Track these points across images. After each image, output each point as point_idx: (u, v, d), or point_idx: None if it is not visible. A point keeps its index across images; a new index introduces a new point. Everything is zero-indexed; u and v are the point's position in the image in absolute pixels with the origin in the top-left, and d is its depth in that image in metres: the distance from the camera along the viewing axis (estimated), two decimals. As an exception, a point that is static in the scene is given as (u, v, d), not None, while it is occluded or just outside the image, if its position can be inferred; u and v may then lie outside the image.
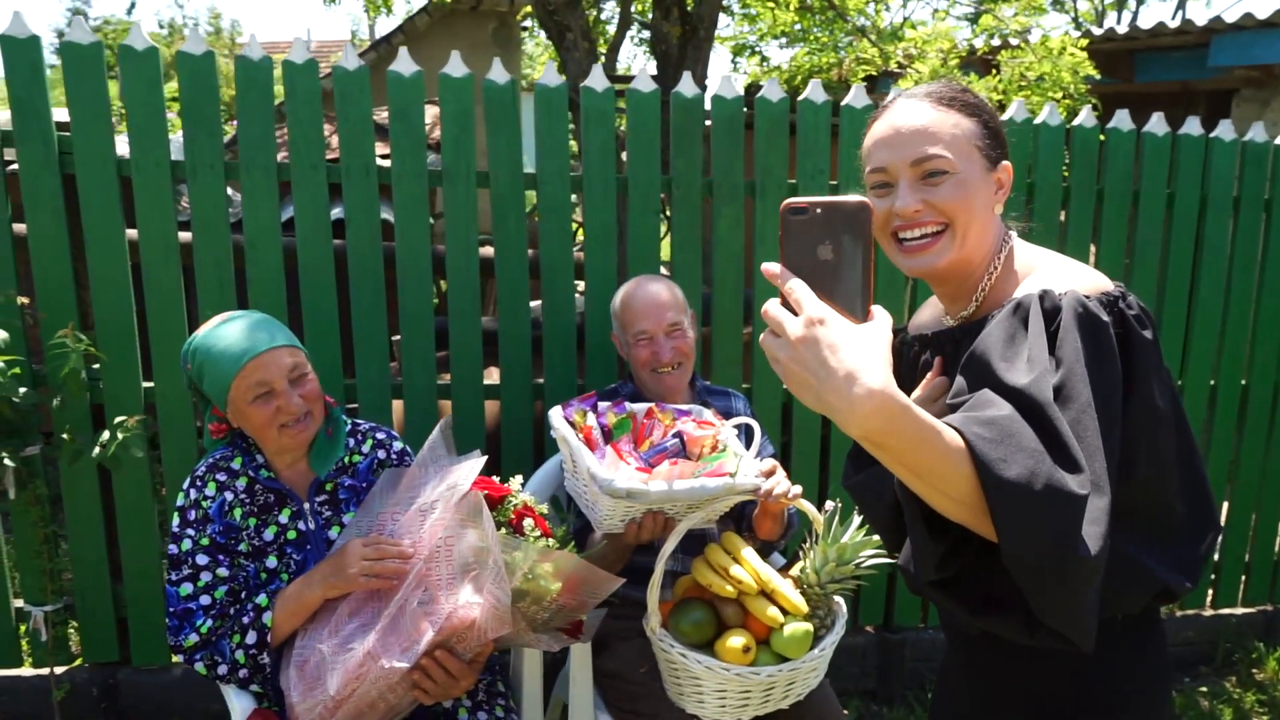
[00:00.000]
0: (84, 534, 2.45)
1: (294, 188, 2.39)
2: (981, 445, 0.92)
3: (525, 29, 7.57)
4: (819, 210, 0.93)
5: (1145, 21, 5.70)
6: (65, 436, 2.25)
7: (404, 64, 2.40)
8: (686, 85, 2.58)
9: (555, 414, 1.99)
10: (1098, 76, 4.46)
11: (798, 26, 7.04)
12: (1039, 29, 5.73)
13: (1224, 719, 2.97)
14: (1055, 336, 1.05)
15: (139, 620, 2.53)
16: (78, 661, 2.61)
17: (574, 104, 2.66)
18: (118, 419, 2.11)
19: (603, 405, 2.03)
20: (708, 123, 2.66)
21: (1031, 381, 0.99)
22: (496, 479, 1.82)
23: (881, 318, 0.91)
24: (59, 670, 2.51)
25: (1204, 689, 3.15)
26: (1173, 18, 5.83)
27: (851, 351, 0.86)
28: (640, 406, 2.05)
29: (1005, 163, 1.22)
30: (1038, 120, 2.83)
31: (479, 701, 1.89)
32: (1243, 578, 3.35)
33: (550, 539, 1.77)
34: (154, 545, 2.49)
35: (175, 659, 2.64)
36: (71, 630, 2.63)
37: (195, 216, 2.35)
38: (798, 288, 0.90)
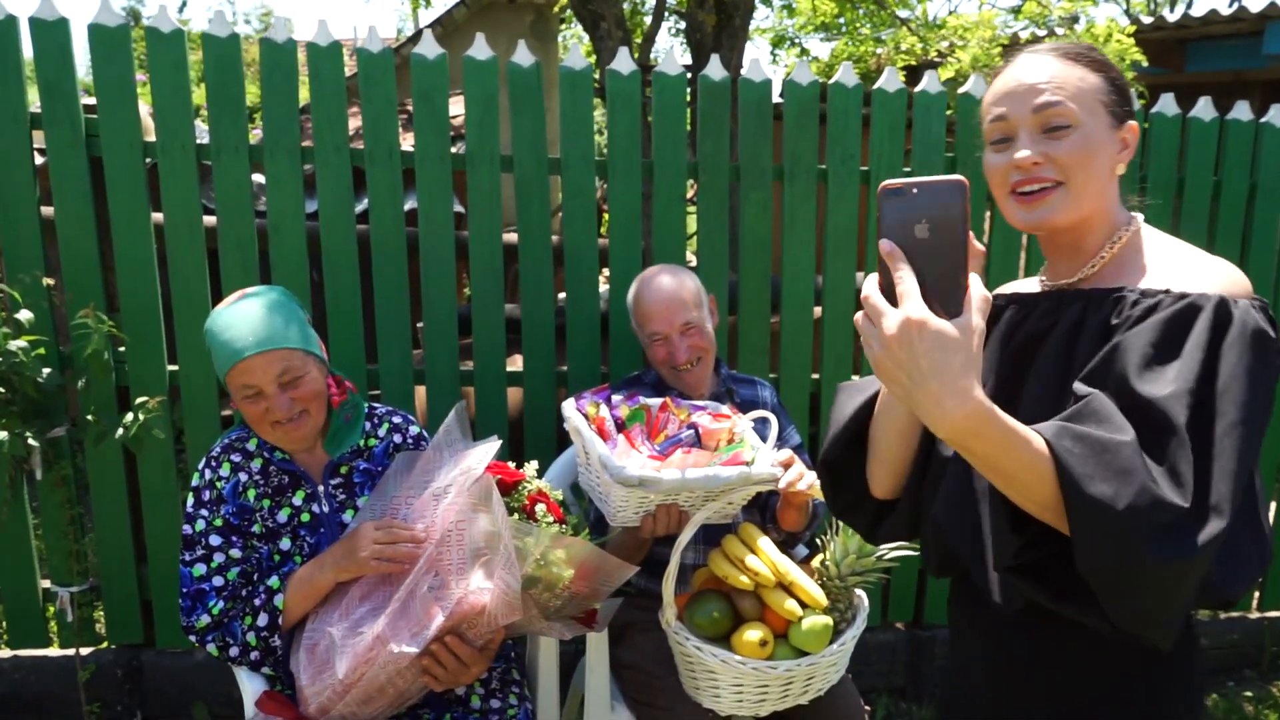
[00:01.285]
0: (109, 516, 2.47)
1: (318, 171, 2.38)
2: (1069, 459, 0.91)
3: (563, 21, 7.56)
4: (915, 190, 0.92)
5: (1198, 11, 5.54)
6: (90, 418, 2.26)
7: (428, 46, 2.38)
8: (714, 68, 2.53)
9: (568, 405, 1.95)
10: (1145, 64, 4.33)
11: (839, 19, 6.95)
12: (1086, 17, 5.59)
13: (1269, 726, 2.87)
14: (1219, 344, 0.99)
15: (163, 603, 2.54)
16: (103, 644, 2.63)
17: (604, 91, 2.62)
18: (140, 400, 2.11)
19: (616, 398, 2.00)
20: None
21: (1168, 396, 0.95)
22: (512, 465, 1.79)
23: (975, 306, 0.90)
24: (84, 651, 2.53)
25: (1249, 693, 3.04)
26: (1229, 6, 5.65)
27: (945, 359, 0.87)
28: (655, 400, 2.01)
29: (1131, 122, 1.16)
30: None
31: (492, 689, 1.87)
32: (1291, 581, 3.23)
33: (564, 525, 1.73)
34: (177, 528, 2.50)
35: (198, 641, 2.66)
36: (97, 612, 2.64)
37: (219, 199, 2.35)
38: (905, 276, 0.90)
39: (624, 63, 2.48)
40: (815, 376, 2.76)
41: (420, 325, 2.59)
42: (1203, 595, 1.05)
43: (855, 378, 2.76)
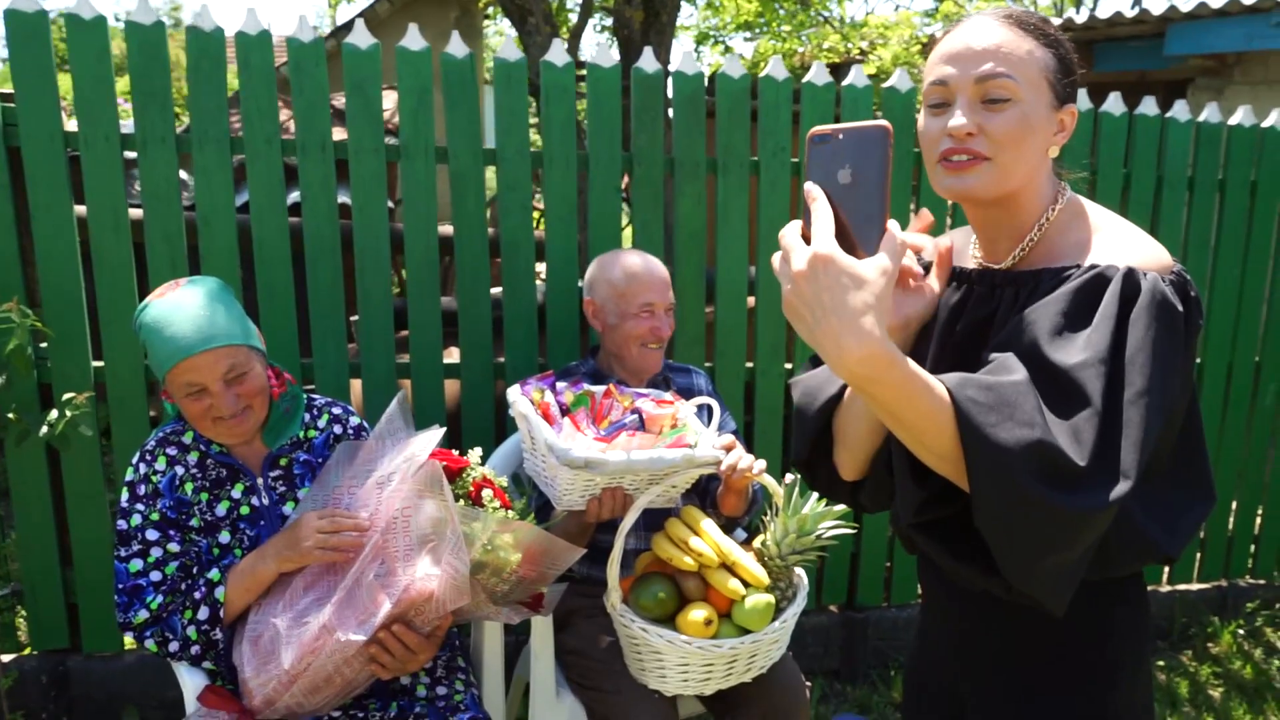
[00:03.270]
0: (32, 518, 2.39)
1: (248, 163, 2.35)
2: (970, 408, 0.93)
3: (488, 17, 7.53)
4: (840, 136, 0.94)
5: (1103, 13, 5.77)
6: (11, 416, 2.19)
7: (360, 36, 2.37)
8: (648, 61, 2.56)
9: (514, 391, 1.96)
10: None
11: (761, 18, 7.06)
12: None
13: (1180, 691, 3.02)
14: (1126, 316, 1.01)
15: (90, 606, 2.47)
16: (26, 650, 2.55)
17: (534, 87, 2.63)
18: (66, 396, 2.05)
19: (560, 384, 2.01)
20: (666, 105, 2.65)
21: (1078, 364, 0.97)
22: (455, 452, 1.79)
23: (889, 252, 0.91)
24: (6, 658, 2.45)
25: (1161, 663, 3.19)
26: (1131, 8, 5.89)
27: (849, 296, 0.87)
28: (598, 387, 2.03)
29: (1072, 105, 1.15)
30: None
31: (438, 677, 1.87)
32: (1198, 555, 3.40)
33: (510, 511, 1.74)
34: (105, 529, 2.44)
35: (129, 645, 2.59)
36: (19, 618, 2.56)
37: (146, 191, 2.30)
38: (820, 215, 0.91)
39: (558, 55, 2.49)
40: (749, 365, 2.81)
41: (354, 319, 2.57)
42: (1146, 553, 1.11)
43: (789, 367, 2.83)
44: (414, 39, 2.40)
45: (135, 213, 2.33)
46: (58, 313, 2.28)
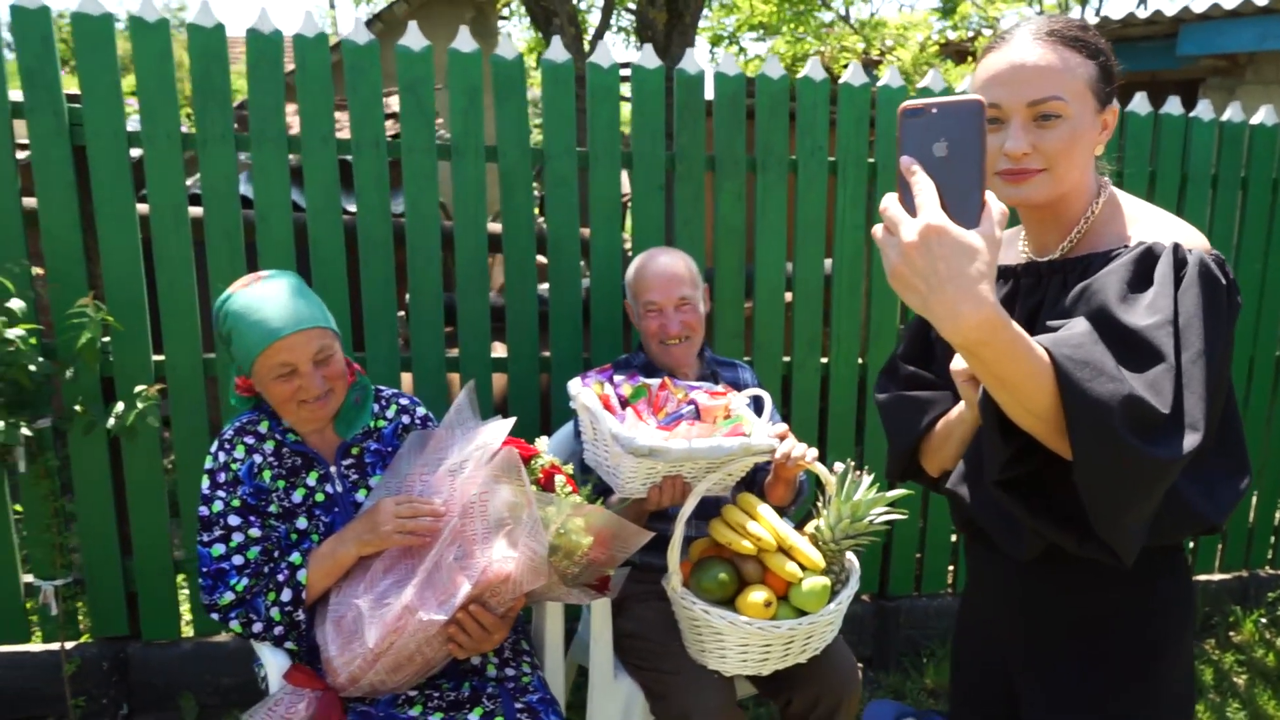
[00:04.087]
0: (93, 507, 2.45)
1: (304, 161, 2.41)
2: (1068, 365, 0.98)
3: (504, 18, 7.59)
4: (934, 110, 0.97)
5: (1109, 13, 5.84)
6: (78, 409, 2.25)
7: (413, 38, 2.43)
8: (689, 62, 2.62)
9: (574, 385, 2.02)
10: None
11: (777, 20, 7.13)
12: (999, 18, 5.85)
13: (1205, 679, 3.08)
14: (1177, 286, 1.09)
15: (148, 595, 2.53)
16: (85, 637, 2.61)
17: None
18: (137, 388, 2.11)
19: (618, 377, 2.07)
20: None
21: (1151, 325, 1.04)
22: (524, 440, 1.86)
23: (994, 219, 0.95)
24: (69, 645, 2.51)
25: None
26: (1137, 8, 5.96)
27: (961, 265, 0.91)
28: (654, 380, 2.09)
29: (1114, 105, 1.24)
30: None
31: (506, 659, 1.93)
32: (1219, 546, 3.47)
33: (578, 496, 1.81)
34: (163, 519, 2.50)
35: (186, 632, 2.65)
36: (80, 605, 2.62)
37: (206, 188, 2.36)
38: (923, 187, 0.94)
39: (603, 56, 2.55)
40: (786, 359, 2.88)
41: (401, 314, 2.63)
42: (1190, 523, 1.18)
43: (824, 360, 2.88)
44: (464, 41, 2.46)
45: (194, 209, 2.39)
46: (120, 307, 2.34)
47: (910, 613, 3.15)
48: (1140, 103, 3.01)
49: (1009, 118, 1.19)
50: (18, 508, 2.44)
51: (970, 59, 4.86)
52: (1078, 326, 1.05)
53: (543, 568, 1.65)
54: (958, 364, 1.25)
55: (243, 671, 2.62)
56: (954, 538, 3.18)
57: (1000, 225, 0.96)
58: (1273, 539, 3.53)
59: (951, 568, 3.24)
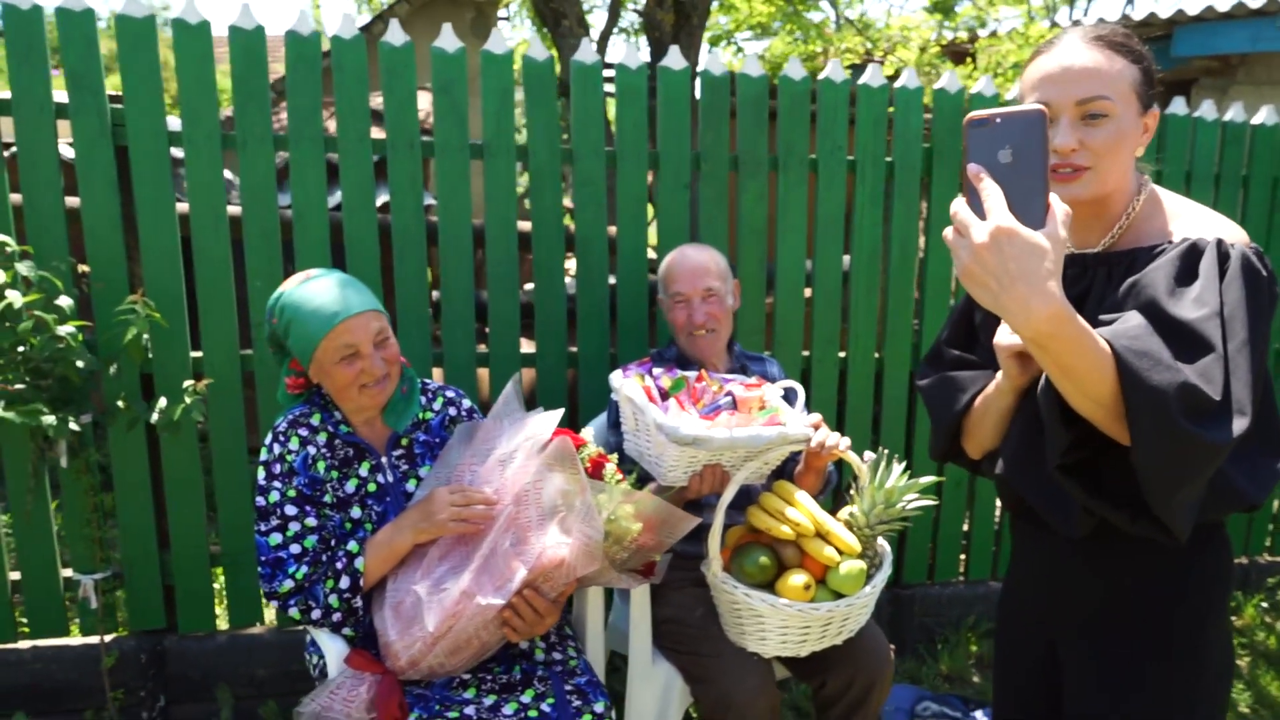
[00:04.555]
0: (133, 502, 2.49)
1: (341, 160, 2.46)
2: (1128, 355, 1.06)
3: (504, 18, 7.65)
4: (999, 120, 1.04)
5: (1092, 15, 5.94)
6: (121, 404, 2.29)
7: (448, 40, 2.48)
8: (715, 64, 2.69)
9: (616, 377, 2.08)
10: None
11: (777, 24, 7.22)
12: (996, 21, 5.95)
13: (1212, 663, 3.17)
14: (1221, 279, 1.16)
15: (185, 588, 2.57)
16: (122, 630, 2.65)
17: (565, 87, 2.74)
18: (185, 383, 2.16)
19: (657, 370, 2.13)
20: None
21: (1200, 318, 1.11)
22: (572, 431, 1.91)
23: (1058, 219, 1.02)
24: (107, 638, 2.54)
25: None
26: (1125, 8, 6.07)
27: (1031, 264, 0.99)
28: (691, 372, 2.15)
29: (1155, 108, 1.31)
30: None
31: (552, 643, 1.98)
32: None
33: (626, 484, 1.87)
34: (201, 513, 2.54)
35: (222, 626, 2.69)
36: (119, 597, 2.66)
37: (245, 188, 2.41)
38: (992, 192, 1.01)
39: (632, 58, 2.61)
40: (806, 354, 2.94)
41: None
42: (1233, 501, 1.25)
43: (842, 355, 2.95)
44: (497, 43, 2.51)
45: (232, 209, 2.43)
46: (160, 305, 2.38)
47: (924, 601, 3.23)
48: None
49: (1058, 116, 1.26)
50: (55, 503, 2.47)
51: (969, 60, 4.96)
52: (1133, 319, 1.12)
53: (597, 552, 1.71)
54: (1002, 337, 1.32)
55: (276, 663, 2.66)
56: (965, 526, 3.26)
57: (1065, 226, 1.03)
58: (1271, 526, 3.63)
59: (964, 556, 3.31)
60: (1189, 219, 1.28)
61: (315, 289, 1.83)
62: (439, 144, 2.51)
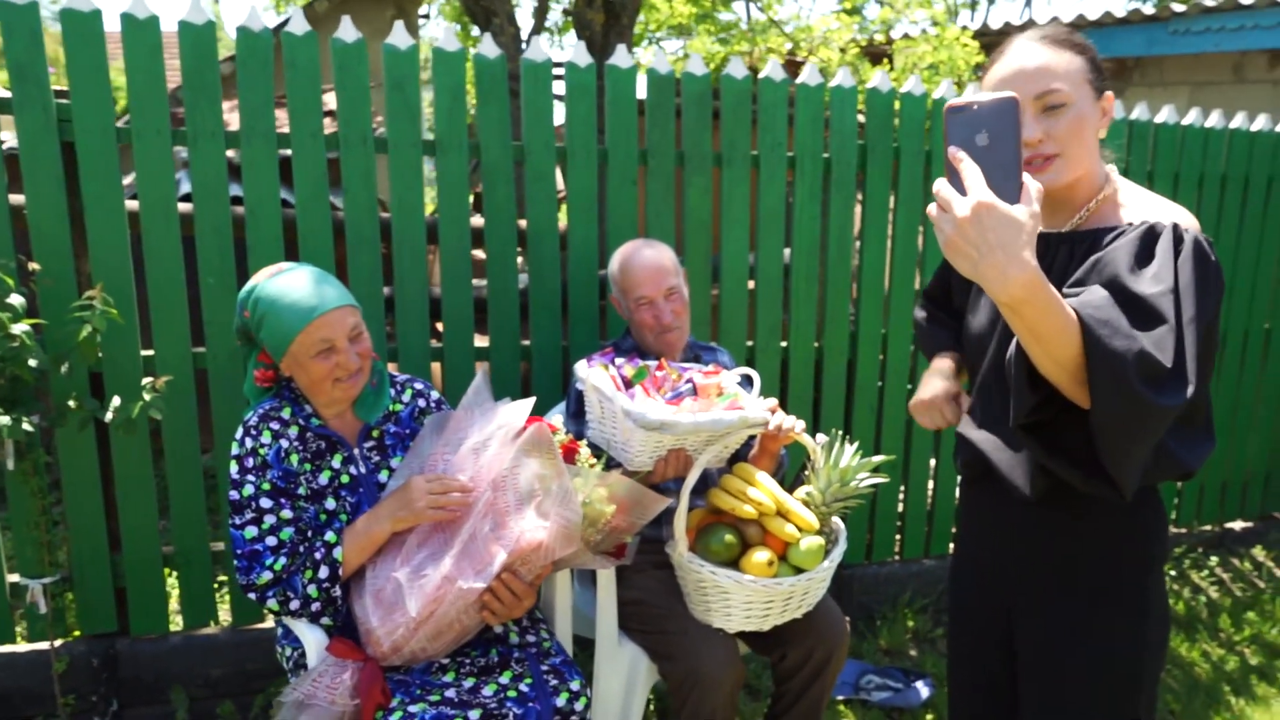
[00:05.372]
0: (82, 503, 2.45)
1: (294, 156, 2.46)
2: (1092, 323, 1.17)
3: (424, 16, 7.59)
4: (975, 107, 1.14)
5: (994, 19, 6.22)
6: (72, 404, 2.26)
7: (399, 37, 2.50)
8: (661, 62, 2.76)
9: (582, 367, 2.14)
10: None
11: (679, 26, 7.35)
12: (913, 23, 6.19)
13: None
14: (1175, 259, 1.27)
15: (137, 590, 2.54)
16: (74, 634, 2.59)
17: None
18: (145, 380, 2.14)
19: (619, 360, 2.20)
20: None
21: (1156, 293, 1.22)
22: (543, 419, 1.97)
23: (1032, 195, 1.12)
24: (57, 643, 2.49)
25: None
26: (1022, 14, 6.35)
27: (1008, 234, 1.08)
28: (651, 361, 2.22)
29: (1109, 93, 1.42)
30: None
31: (525, 627, 2.03)
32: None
33: (599, 467, 1.93)
34: (153, 512, 2.51)
35: (172, 626, 2.66)
36: (68, 601, 2.60)
37: (196, 184, 2.39)
38: (971, 172, 1.11)
39: (581, 56, 2.67)
40: (750, 344, 3.04)
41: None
42: (1172, 468, 1.38)
43: (784, 344, 3.06)
44: (449, 40, 2.54)
45: (182, 205, 2.41)
46: (109, 303, 2.35)
47: (863, 580, 3.37)
48: None
49: (1021, 113, 1.36)
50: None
51: (885, 61, 5.15)
52: (1098, 293, 1.23)
53: (575, 534, 1.77)
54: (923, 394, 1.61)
55: (232, 662, 2.65)
56: (900, 508, 3.41)
57: (1038, 201, 1.13)
58: (1176, 500, 3.88)
59: (899, 536, 3.46)
60: (1147, 205, 1.40)
61: (291, 282, 1.84)
62: (391, 141, 2.53)
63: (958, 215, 1.10)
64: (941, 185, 1.14)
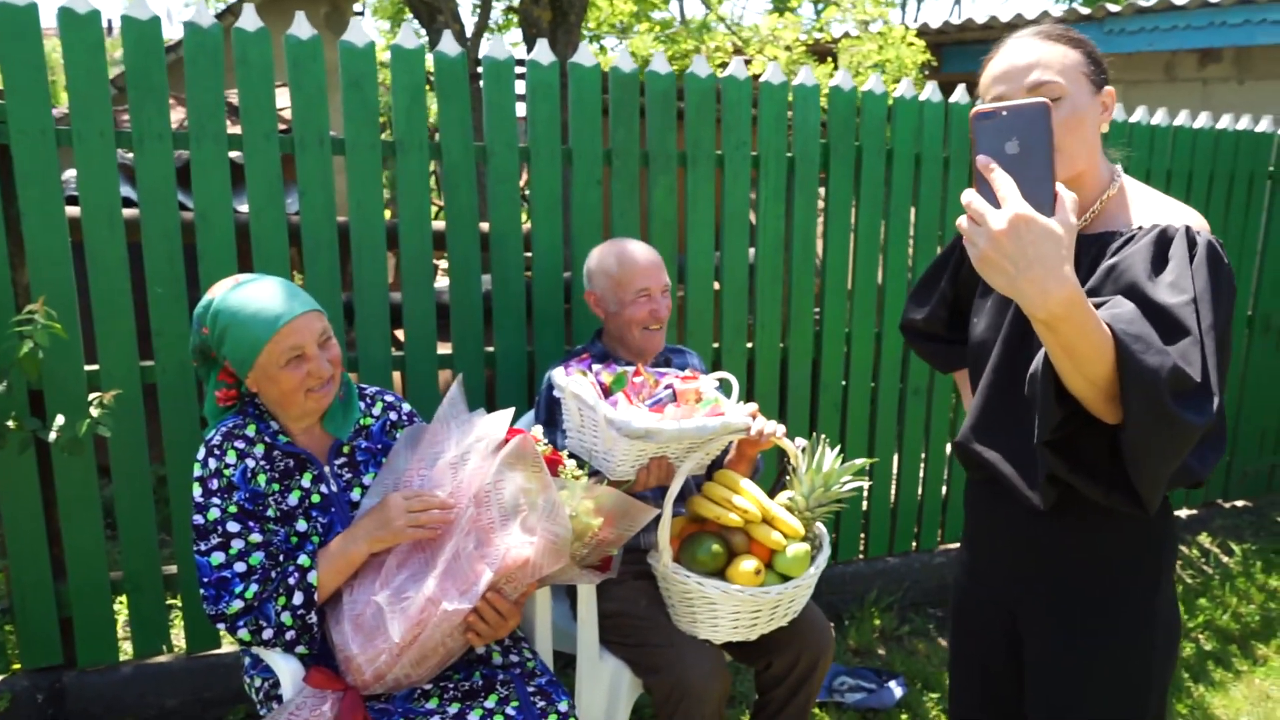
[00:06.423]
0: (22, 528, 2.30)
1: (246, 158, 2.34)
2: (1126, 339, 1.12)
3: (359, 13, 7.40)
4: (1005, 113, 1.08)
5: (926, 18, 6.29)
6: (12, 424, 2.11)
7: (356, 34, 2.40)
8: (624, 61, 2.71)
9: (559, 375, 2.08)
10: (935, 64, 4.93)
11: (620, 24, 7.30)
12: (860, 24, 6.23)
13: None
14: (1191, 263, 1.24)
15: (84, 619, 2.40)
16: (15, 667, 2.44)
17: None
18: (93, 395, 2.01)
19: (596, 366, 2.14)
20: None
21: (1179, 303, 1.19)
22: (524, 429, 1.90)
23: (1067, 206, 1.06)
24: (-3, 678, 2.35)
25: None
26: (950, 14, 6.44)
27: (1048, 249, 1.03)
28: (629, 368, 2.17)
29: (1109, 87, 1.38)
30: (842, 86, 3.15)
31: (507, 646, 1.96)
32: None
33: (586, 479, 1.86)
34: (100, 536, 2.37)
35: (122, 655, 2.52)
36: (9, 633, 2.45)
37: (143, 187, 2.26)
38: (1003, 182, 1.05)
39: (544, 54, 2.60)
40: (715, 345, 3.01)
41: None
42: (1184, 477, 1.36)
43: (750, 345, 3.02)
44: (408, 37, 2.45)
45: (128, 211, 2.28)
46: (52, 316, 2.21)
47: (829, 580, 3.35)
48: (960, 94, 3.27)
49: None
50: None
51: (830, 60, 5.17)
52: (1126, 306, 1.18)
53: (564, 549, 1.71)
54: None
55: (188, 691, 2.52)
56: (865, 506, 3.41)
57: (1074, 213, 1.08)
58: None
59: (863, 535, 3.46)
60: (1156, 206, 1.37)
61: (252, 293, 1.75)
62: (349, 141, 2.43)
63: (993, 229, 1.04)
64: (973, 197, 1.08)
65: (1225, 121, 3.80)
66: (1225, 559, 3.99)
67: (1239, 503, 4.25)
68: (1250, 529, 4.24)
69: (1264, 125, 3.88)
